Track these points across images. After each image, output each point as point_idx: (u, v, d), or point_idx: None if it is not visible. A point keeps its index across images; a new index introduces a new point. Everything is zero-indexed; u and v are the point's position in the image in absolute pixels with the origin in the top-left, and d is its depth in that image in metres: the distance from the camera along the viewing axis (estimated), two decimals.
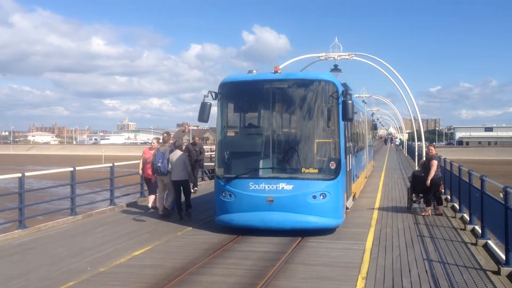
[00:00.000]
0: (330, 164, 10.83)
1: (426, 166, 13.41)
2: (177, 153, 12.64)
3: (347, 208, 12.22)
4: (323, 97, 11.06)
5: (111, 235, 10.73)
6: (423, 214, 13.04)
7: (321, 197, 10.51)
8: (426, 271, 7.82)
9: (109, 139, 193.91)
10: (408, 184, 14.60)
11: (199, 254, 8.89)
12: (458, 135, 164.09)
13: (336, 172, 10.75)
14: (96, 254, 8.98)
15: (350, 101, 10.66)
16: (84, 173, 14.81)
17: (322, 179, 10.66)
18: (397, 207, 14.42)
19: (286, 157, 11.02)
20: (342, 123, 11.10)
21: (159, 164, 12.53)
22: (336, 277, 7.52)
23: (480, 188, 10.02)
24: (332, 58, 28.38)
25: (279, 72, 11.23)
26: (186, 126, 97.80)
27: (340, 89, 11.10)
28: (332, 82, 11.11)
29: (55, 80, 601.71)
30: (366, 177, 21.58)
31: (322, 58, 28.54)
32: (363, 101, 37.84)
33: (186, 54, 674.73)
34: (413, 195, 13.89)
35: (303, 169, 10.76)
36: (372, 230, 11.10)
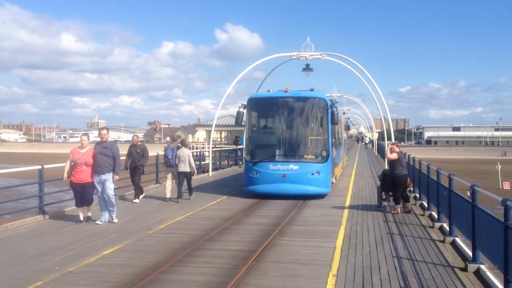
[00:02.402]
0: (322, 153, 16.04)
1: (392, 164, 13.65)
2: (183, 150, 15.38)
3: (332, 183, 17.48)
4: (318, 109, 16.31)
5: (80, 234, 10.56)
6: (392, 212, 13.23)
7: (317, 174, 15.69)
8: (395, 268, 7.94)
9: (78, 137, 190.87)
10: (378, 183, 14.80)
11: (170, 253, 8.83)
12: (427, 134, 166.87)
13: (326, 158, 16.00)
14: (65, 254, 8.83)
15: (336, 111, 16.42)
16: (52, 171, 14.48)
17: (317, 162, 15.88)
18: (367, 206, 14.59)
19: (294, 148, 16.20)
20: (330, 125, 16.26)
21: (169, 157, 15.38)
22: (307, 275, 7.57)
23: (448, 187, 10.21)
24: (304, 58, 28.60)
25: (288, 91, 16.45)
26: (158, 124, 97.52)
27: (329, 103, 16.38)
28: (323, 98, 16.55)
29: (24, 77, 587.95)
30: (342, 167, 26.36)
31: (294, 57, 28.72)
32: (335, 100, 40.21)
33: (158, 52, 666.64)
34: (383, 193, 14.09)
35: (305, 156, 16.00)
36: (342, 228, 11.20)
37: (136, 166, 14.97)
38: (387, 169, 14.62)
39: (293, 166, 15.61)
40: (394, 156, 13.28)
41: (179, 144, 15.72)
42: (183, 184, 15.55)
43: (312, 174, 15.59)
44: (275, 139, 16.29)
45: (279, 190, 15.50)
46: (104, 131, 11.93)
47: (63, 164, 15.14)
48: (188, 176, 15.46)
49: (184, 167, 15.24)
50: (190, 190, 15.80)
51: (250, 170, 16.08)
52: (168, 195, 15.49)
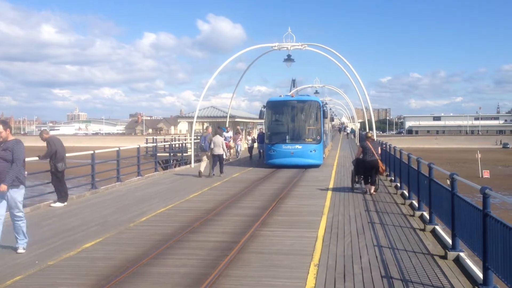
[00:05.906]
0: (317, 137, 23.88)
1: (363, 152, 15.41)
2: (217, 137, 20.13)
3: (324, 157, 25.52)
4: (314, 108, 24.45)
5: (61, 227, 10.45)
6: (367, 191, 14.90)
7: (314, 151, 23.56)
8: (376, 257, 7.99)
9: (59, 129, 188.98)
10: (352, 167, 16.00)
11: (152, 245, 8.77)
12: (408, 124, 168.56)
13: (319, 141, 23.90)
14: (45, 247, 8.73)
15: (326, 109, 26.39)
16: (32, 165, 14.29)
17: (313, 143, 23.75)
18: (349, 195, 14.67)
19: (298, 134, 24.03)
20: (322, 119, 24.40)
21: (202, 144, 19.96)
22: (289, 265, 7.58)
23: (428, 175, 10.29)
24: (285, 48, 28.60)
25: (293, 96, 26.43)
26: (139, 117, 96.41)
27: (321, 104, 25.39)
28: (317, 101, 25.52)
29: (2, 69, 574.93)
30: (329, 150, 35.13)
31: (276, 48, 28.72)
32: (316, 91, 42.76)
33: (139, 43, 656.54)
34: (356, 177, 15.73)
35: (305, 139, 23.79)
36: (324, 218, 11.25)
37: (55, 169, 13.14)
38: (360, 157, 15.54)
39: (298, 146, 23.46)
40: (359, 152, 15.72)
41: (215, 133, 20.48)
42: (217, 164, 20.25)
43: (311, 151, 23.47)
44: (285, 128, 24.24)
45: (289, 162, 23.24)
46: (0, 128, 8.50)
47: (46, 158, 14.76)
48: (221, 158, 20.23)
49: (218, 150, 19.95)
50: (222, 169, 20.42)
51: (269, 149, 24.00)
52: (202, 170, 20.02)
